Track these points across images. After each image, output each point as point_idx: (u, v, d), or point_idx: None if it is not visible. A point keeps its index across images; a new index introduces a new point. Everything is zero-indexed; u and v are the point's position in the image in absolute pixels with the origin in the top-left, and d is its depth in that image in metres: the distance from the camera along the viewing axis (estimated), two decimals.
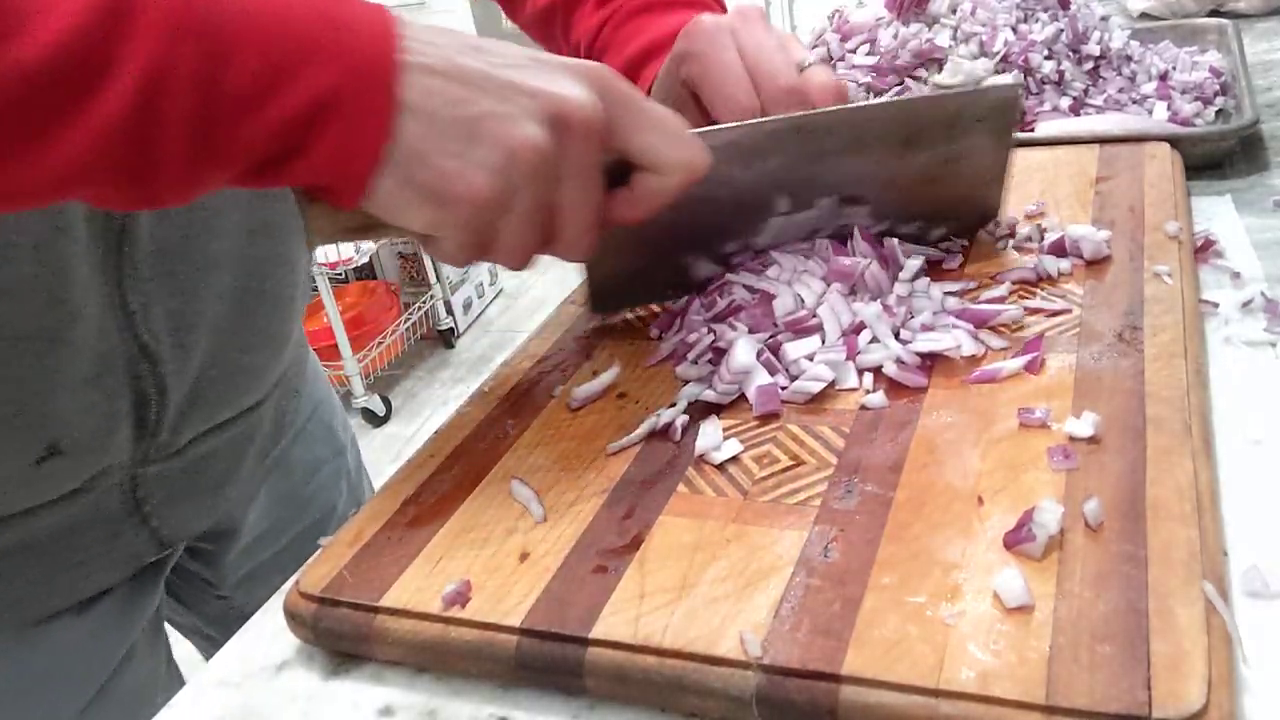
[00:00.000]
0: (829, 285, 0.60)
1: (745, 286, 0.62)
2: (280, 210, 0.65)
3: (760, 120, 0.60)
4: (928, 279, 0.62)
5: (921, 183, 0.64)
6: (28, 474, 0.56)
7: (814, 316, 0.58)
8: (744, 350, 0.56)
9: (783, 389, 0.55)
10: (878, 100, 0.64)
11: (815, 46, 1.05)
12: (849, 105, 0.62)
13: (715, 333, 0.59)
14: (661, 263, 0.63)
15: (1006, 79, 0.92)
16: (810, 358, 0.56)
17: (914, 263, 0.62)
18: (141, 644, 0.72)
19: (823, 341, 0.57)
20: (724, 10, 0.74)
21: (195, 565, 0.77)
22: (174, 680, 0.78)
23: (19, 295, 0.51)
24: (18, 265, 0.51)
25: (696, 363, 0.58)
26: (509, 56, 0.45)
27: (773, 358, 0.56)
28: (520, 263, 0.47)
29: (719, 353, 0.58)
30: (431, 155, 0.42)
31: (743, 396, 0.55)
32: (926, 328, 0.57)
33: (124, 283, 0.56)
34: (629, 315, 0.68)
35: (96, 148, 0.38)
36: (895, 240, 0.63)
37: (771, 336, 0.58)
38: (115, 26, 0.37)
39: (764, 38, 0.63)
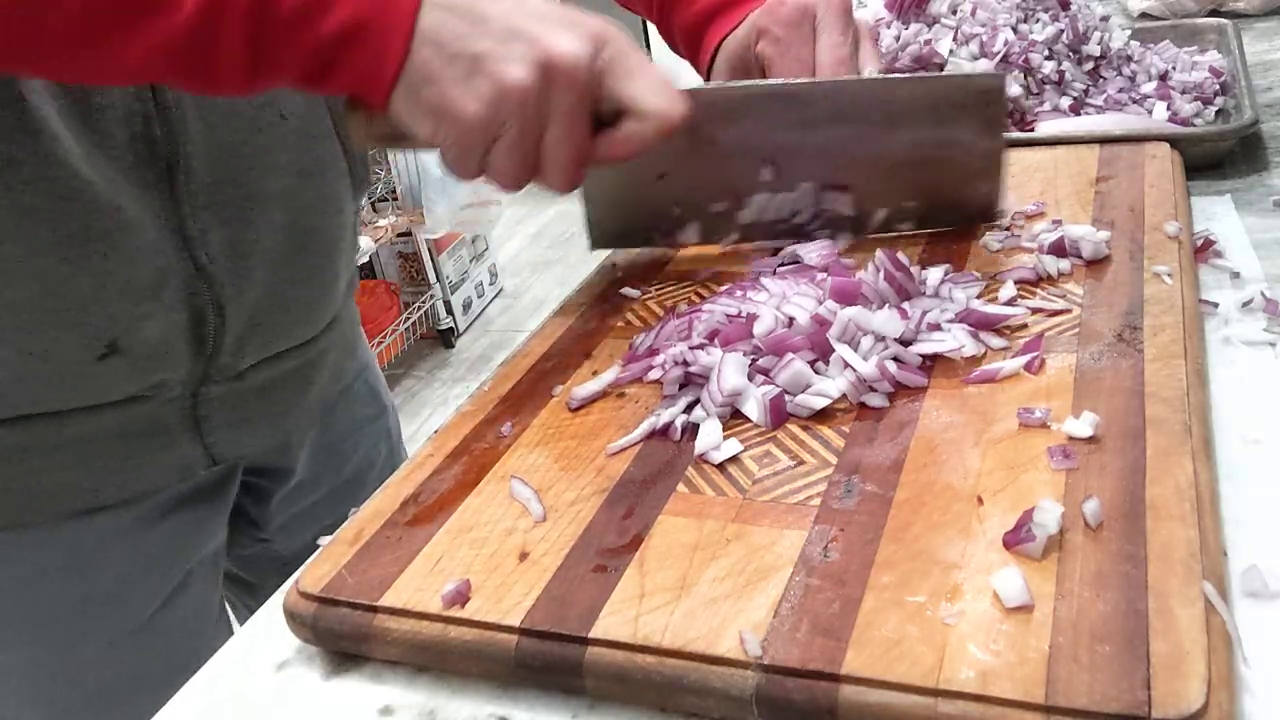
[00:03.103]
0: (820, 304, 0.59)
1: (726, 313, 0.61)
2: (326, 154, 0.71)
3: (741, 83, 0.66)
4: (950, 285, 0.61)
5: (908, 166, 0.66)
6: (90, 369, 0.62)
7: (797, 335, 0.57)
8: (733, 371, 0.55)
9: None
10: (859, 77, 0.68)
11: None
12: (829, 79, 0.66)
13: (689, 361, 0.57)
14: (654, 212, 0.70)
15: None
16: (813, 365, 0.55)
17: (936, 272, 0.61)
18: (196, 578, 0.76)
19: (826, 360, 0.56)
20: None
21: (248, 501, 0.81)
22: (223, 627, 0.83)
23: (81, 199, 0.58)
24: (75, 168, 0.57)
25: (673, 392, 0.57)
26: (526, 6, 0.51)
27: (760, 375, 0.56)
28: (511, 185, 0.54)
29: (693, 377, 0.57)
30: (437, 78, 0.50)
31: None
32: (934, 327, 0.57)
33: (182, 208, 0.63)
34: (629, 315, 0.68)
35: (161, 55, 0.48)
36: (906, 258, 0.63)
37: (752, 357, 0.57)
38: None
39: (839, 39, 0.67)
